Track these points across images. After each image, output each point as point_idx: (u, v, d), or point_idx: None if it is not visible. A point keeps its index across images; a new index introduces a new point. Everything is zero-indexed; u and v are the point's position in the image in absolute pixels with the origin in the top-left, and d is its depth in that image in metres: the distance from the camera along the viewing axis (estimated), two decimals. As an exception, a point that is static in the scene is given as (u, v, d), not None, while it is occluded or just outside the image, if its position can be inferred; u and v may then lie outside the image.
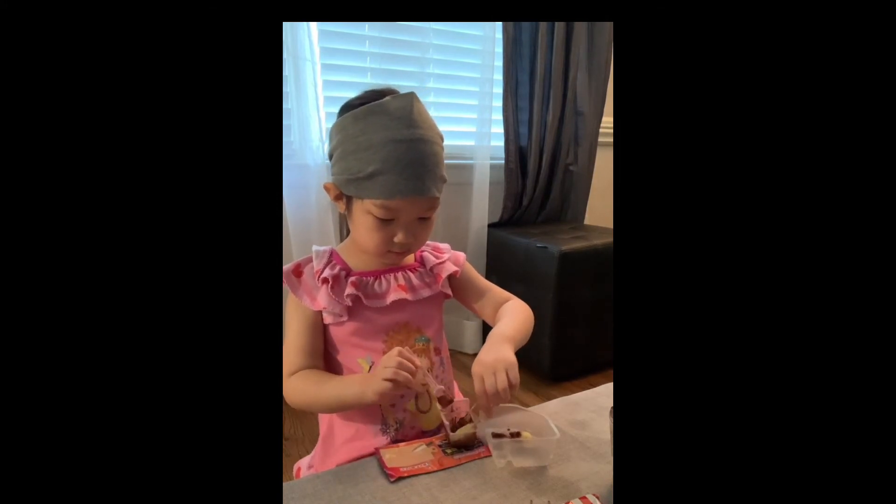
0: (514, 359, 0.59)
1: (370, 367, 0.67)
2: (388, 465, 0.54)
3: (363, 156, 0.60)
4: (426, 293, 0.70)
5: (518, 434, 0.57)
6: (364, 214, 0.63)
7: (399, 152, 0.59)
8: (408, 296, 0.68)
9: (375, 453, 0.58)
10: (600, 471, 0.54)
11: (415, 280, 0.70)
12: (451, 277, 0.74)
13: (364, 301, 0.66)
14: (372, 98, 0.63)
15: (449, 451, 0.58)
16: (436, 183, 0.63)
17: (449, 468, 0.55)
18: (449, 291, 0.73)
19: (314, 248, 0.72)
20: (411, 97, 0.62)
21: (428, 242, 0.75)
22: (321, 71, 1.50)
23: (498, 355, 0.59)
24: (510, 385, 0.57)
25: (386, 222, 0.63)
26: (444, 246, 0.77)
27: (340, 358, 0.69)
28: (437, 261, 0.73)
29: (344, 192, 0.65)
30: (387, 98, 0.61)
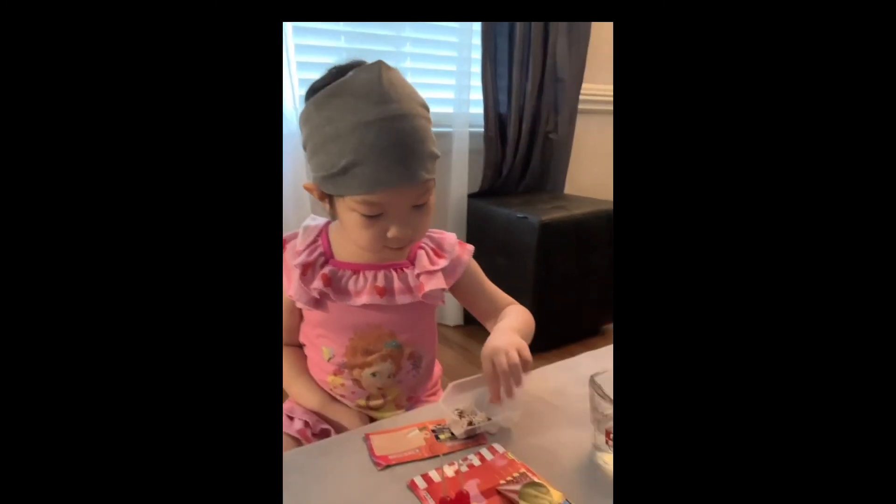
0: (522, 341, 0.56)
1: (330, 357, 0.66)
2: (377, 452, 0.52)
3: (332, 148, 0.52)
4: (405, 300, 0.63)
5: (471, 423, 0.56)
6: (348, 212, 0.56)
7: (371, 137, 0.51)
8: (382, 301, 0.62)
9: (365, 439, 0.55)
10: (580, 438, 0.55)
11: (396, 283, 0.63)
12: (447, 273, 0.66)
13: (332, 297, 0.62)
14: (335, 77, 0.54)
15: (442, 437, 0.55)
16: (424, 164, 0.54)
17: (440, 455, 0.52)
18: (440, 302, 0.67)
19: (308, 220, 0.67)
20: (377, 67, 0.52)
21: (432, 234, 0.68)
22: (293, 34, 1.43)
23: (505, 338, 0.56)
24: (524, 363, 0.54)
25: (374, 218, 0.55)
26: (450, 242, 0.68)
27: (305, 340, 0.68)
28: (430, 267, 0.64)
29: (323, 191, 0.58)
30: (349, 74, 0.52)
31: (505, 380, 0.53)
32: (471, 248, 0.70)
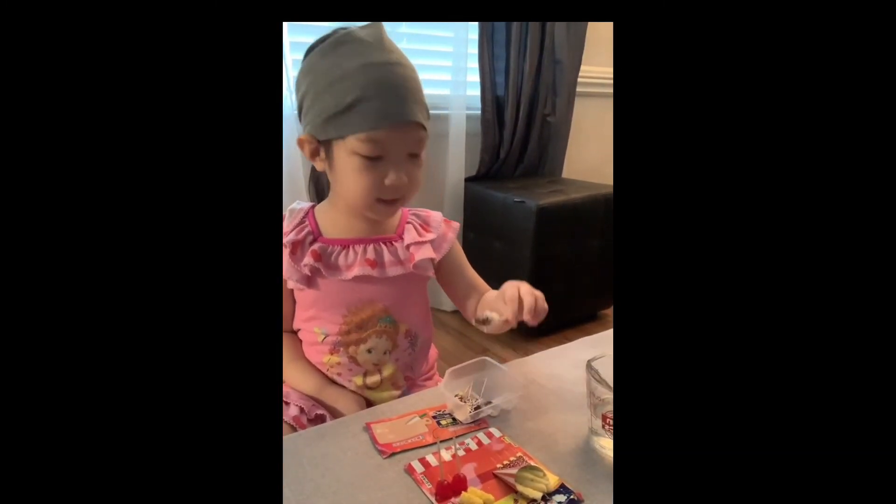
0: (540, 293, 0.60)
1: (324, 337, 0.66)
2: (380, 441, 0.52)
3: (339, 87, 0.55)
4: (396, 271, 0.64)
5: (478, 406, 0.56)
6: (348, 157, 0.57)
7: (378, 75, 0.55)
8: (374, 272, 0.63)
9: (367, 428, 0.54)
10: (576, 422, 0.56)
11: (386, 255, 0.64)
12: (435, 246, 0.67)
13: (323, 272, 0.62)
14: (335, 34, 0.58)
15: (444, 422, 0.55)
16: (421, 110, 0.58)
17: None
18: (431, 274, 0.68)
19: (293, 205, 0.67)
20: (379, 26, 0.58)
21: (418, 212, 0.70)
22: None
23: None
24: (537, 310, 0.57)
25: (374, 161, 0.57)
26: (436, 218, 0.70)
27: (299, 324, 0.68)
28: (418, 239, 0.65)
29: (321, 139, 0.59)
30: (353, 27, 0.57)
31: (529, 301, 0.57)
32: (456, 225, 0.71)
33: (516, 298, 0.57)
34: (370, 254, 0.64)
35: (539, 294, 0.58)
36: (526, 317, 0.57)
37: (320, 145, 0.60)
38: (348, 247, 0.64)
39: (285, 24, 1.41)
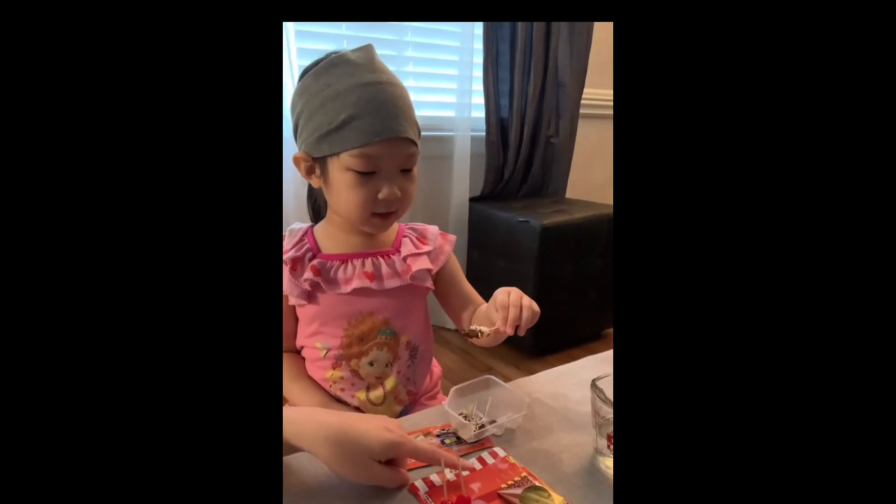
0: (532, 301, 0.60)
1: (326, 352, 0.66)
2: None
3: (331, 106, 0.57)
4: (394, 283, 0.65)
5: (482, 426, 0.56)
6: (342, 173, 0.59)
7: (369, 94, 0.57)
8: (372, 284, 0.64)
9: None
10: (581, 442, 0.55)
11: (384, 268, 0.66)
12: (432, 258, 0.68)
13: (323, 287, 0.64)
14: (328, 57, 0.61)
15: (448, 441, 0.55)
16: (412, 127, 0.60)
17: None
18: (429, 285, 0.68)
19: (293, 226, 0.69)
20: (370, 47, 0.61)
21: (414, 226, 0.71)
22: (295, 38, 1.44)
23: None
24: (524, 319, 0.57)
25: (367, 177, 0.59)
26: (433, 231, 0.71)
27: (301, 341, 0.69)
28: (414, 251, 0.67)
29: (315, 156, 0.61)
30: (345, 51, 0.60)
31: (513, 314, 0.57)
32: (453, 238, 0.72)
33: (507, 305, 0.58)
34: (368, 267, 0.65)
35: (527, 302, 0.59)
36: (509, 330, 0.58)
37: (315, 163, 0.62)
38: (346, 261, 0.65)
39: (294, 49, 1.44)
